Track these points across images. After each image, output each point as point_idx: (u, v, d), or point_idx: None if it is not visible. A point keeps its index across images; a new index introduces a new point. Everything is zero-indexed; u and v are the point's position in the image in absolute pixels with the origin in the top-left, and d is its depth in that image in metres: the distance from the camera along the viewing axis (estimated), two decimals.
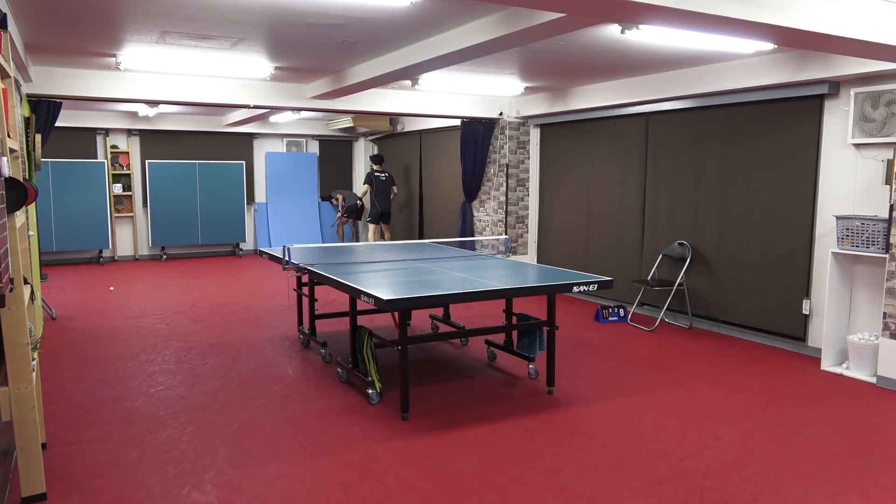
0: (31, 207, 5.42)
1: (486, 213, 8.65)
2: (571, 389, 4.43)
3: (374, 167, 10.20)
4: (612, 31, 4.35)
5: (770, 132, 5.57)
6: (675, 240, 6.46)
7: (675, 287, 6.21)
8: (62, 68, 6.13)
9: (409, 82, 6.76)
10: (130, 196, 10.61)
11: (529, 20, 3.68)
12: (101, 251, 10.36)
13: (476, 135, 8.34)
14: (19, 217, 3.04)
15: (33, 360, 2.96)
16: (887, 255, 4.50)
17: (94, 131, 10.29)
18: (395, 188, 10.30)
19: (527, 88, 7.22)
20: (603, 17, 3.31)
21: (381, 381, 4.17)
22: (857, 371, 4.79)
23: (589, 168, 7.50)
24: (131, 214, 10.64)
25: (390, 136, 11.23)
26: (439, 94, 7.75)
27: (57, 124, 7.06)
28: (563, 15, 3.45)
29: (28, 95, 6.14)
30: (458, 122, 8.62)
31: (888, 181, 4.71)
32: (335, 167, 12.30)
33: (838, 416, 3.99)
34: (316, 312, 5.46)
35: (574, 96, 7.20)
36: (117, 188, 10.49)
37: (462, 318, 6.45)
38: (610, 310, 6.52)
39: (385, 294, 3.63)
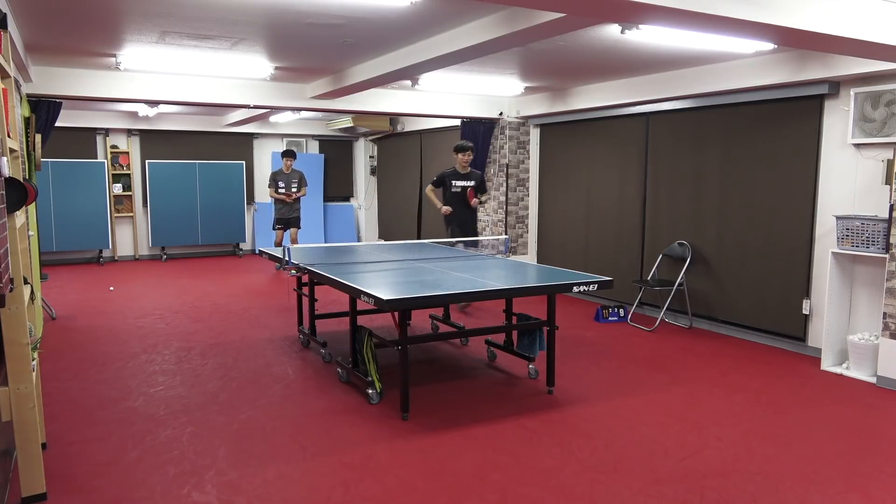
0: (31, 207, 5.42)
1: (486, 213, 8.65)
2: (571, 389, 4.43)
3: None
4: (612, 31, 4.35)
5: (770, 132, 5.57)
6: (675, 240, 6.46)
7: (675, 287, 6.21)
8: (62, 68, 6.13)
9: (409, 82, 6.76)
10: (130, 196, 10.61)
11: (529, 20, 3.68)
12: (101, 251, 10.36)
13: (476, 135, 8.33)
14: (19, 217, 3.04)
15: (33, 360, 2.96)
16: (887, 255, 4.50)
17: (94, 131, 10.28)
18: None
19: (527, 88, 7.22)
20: (603, 17, 3.31)
21: (381, 381, 4.17)
22: (857, 371, 4.79)
23: (589, 168, 7.49)
24: (131, 214, 10.64)
25: (390, 136, 11.23)
26: (439, 94, 7.75)
27: (57, 124, 7.04)
28: (563, 15, 3.45)
29: (28, 95, 6.14)
30: (458, 122, 8.62)
31: (888, 181, 4.71)
32: (335, 167, 12.28)
33: (838, 416, 3.99)
34: (316, 312, 5.46)
35: (574, 96, 7.20)
36: (117, 188, 10.49)
37: (462, 317, 6.45)
38: (610, 310, 6.52)
39: (385, 294, 3.63)
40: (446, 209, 6.86)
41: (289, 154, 9.38)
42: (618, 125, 7.06)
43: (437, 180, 7.01)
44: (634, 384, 4.55)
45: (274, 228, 9.34)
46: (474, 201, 6.90)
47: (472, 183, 6.93)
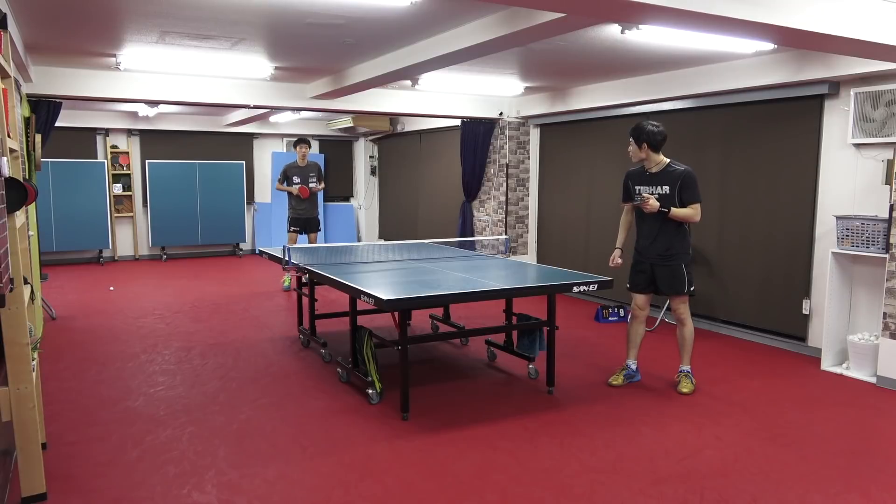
0: (31, 207, 5.42)
1: (486, 213, 8.65)
2: (571, 389, 4.43)
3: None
4: (612, 31, 4.35)
5: (770, 132, 5.57)
6: None
7: None
8: (62, 68, 6.12)
9: (409, 82, 6.76)
10: (130, 196, 10.61)
11: (529, 20, 3.68)
12: (101, 251, 10.36)
13: (476, 135, 8.33)
14: (19, 217, 3.04)
15: (33, 360, 2.96)
16: (887, 255, 4.50)
17: (94, 131, 10.28)
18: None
19: (527, 88, 7.21)
20: (603, 17, 3.32)
21: (381, 381, 4.17)
22: (857, 371, 4.78)
23: (589, 168, 7.49)
24: (131, 214, 10.64)
25: (390, 136, 11.23)
26: (439, 94, 7.75)
27: (57, 124, 7.03)
28: (563, 15, 3.45)
29: (28, 95, 6.14)
30: (458, 122, 8.62)
31: (888, 181, 4.71)
32: (335, 167, 12.28)
33: (838, 416, 3.99)
34: (316, 312, 5.46)
35: (574, 96, 7.20)
36: (117, 188, 10.49)
37: (462, 318, 6.44)
38: (610, 310, 6.52)
39: (385, 294, 3.63)
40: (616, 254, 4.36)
41: (303, 142, 7.89)
42: (618, 125, 7.05)
43: (625, 194, 4.39)
44: (634, 384, 4.55)
45: (289, 230, 7.91)
46: (649, 205, 4.03)
47: (666, 189, 4.11)
